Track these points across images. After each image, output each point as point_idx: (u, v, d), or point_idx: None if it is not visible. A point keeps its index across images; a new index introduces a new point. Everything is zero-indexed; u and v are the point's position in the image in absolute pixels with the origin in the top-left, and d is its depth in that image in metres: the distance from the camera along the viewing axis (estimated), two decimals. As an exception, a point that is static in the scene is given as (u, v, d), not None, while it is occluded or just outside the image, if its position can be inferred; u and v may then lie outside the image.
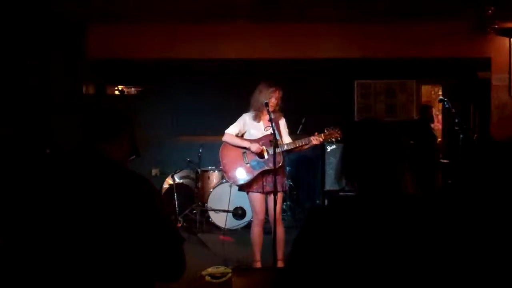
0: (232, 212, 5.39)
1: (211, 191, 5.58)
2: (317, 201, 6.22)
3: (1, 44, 4.22)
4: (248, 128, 3.78)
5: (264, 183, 3.67)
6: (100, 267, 1.41)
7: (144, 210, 1.46)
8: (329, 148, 5.51)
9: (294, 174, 6.34)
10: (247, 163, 3.72)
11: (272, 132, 3.46)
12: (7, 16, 4.26)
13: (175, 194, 5.45)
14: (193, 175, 6.10)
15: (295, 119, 5.16)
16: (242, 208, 5.39)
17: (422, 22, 5.46)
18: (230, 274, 3.45)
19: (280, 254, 3.64)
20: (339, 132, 3.56)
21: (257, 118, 3.74)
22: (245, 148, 3.72)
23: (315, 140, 3.54)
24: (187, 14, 5.15)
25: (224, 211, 5.34)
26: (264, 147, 3.68)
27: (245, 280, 3.09)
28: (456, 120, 4.06)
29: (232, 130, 3.78)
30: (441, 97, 4.23)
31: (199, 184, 5.83)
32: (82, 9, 4.97)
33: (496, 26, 5.29)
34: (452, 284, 1.16)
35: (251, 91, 3.79)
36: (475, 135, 6.00)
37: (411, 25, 5.51)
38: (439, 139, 6.89)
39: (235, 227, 5.41)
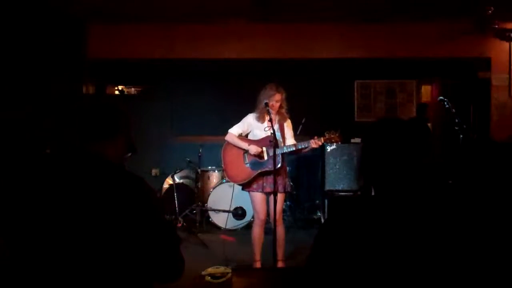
0: (232, 212, 5.39)
1: (211, 191, 5.59)
2: (317, 201, 6.22)
3: (1, 44, 4.22)
4: (252, 128, 3.80)
5: (264, 184, 3.68)
6: (97, 268, 1.40)
7: (140, 210, 1.45)
8: (329, 148, 5.51)
9: (294, 174, 6.34)
10: (246, 163, 3.73)
11: (272, 132, 3.46)
12: (7, 16, 4.26)
13: (175, 194, 5.45)
14: (193, 175, 6.10)
15: (295, 119, 5.14)
16: (242, 208, 5.39)
17: (422, 22, 5.46)
18: (230, 274, 3.44)
19: (280, 254, 3.64)
20: (338, 136, 3.56)
21: (260, 118, 3.76)
22: (244, 149, 3.74)
23: (314, 143, 3.55)
24: (187, 14, 5.15)
25: (224, 211, 5.34)
26: (264, 148, 3.69)
27: (245, 280, 3.09)
28: (456, 120, 4.06)
29: (235, 130, 3.80)
30: (441, 97, 4.22)
31: (199, 184, 5.83)
32: (82, 9, 4.97)
33: (496, 26, 5.29)
34: (465, 284, 1.16)
35: (251, 91, 3.80)
36: (475, 135, 6.00)
37: (411, 25, 5.51)
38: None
39: (235, 227, 5.41)
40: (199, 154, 5.80)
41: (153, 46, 5.59)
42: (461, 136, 4.01)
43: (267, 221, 4.09)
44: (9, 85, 4.33)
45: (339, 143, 3.64)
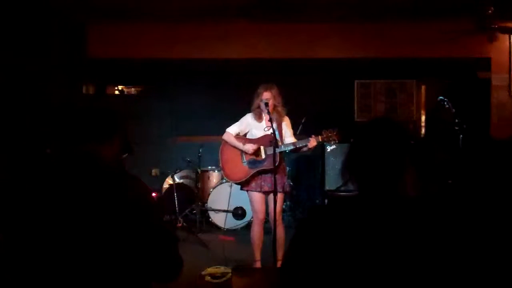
0: (232, 212, 5.39)
1: (211, 191, 5.58)
2: (317, 201, 6.22)
3: (1, 44, 4.22)
4: (250, 128, 3.81)
5: (262, 183, 3.67)
6: (95, 268, 1.40)
7: (137, 210, 1.45)
8: (329, 148, 5.50)
9: (294, 174, 6.34)
10: (244, 162, 3.74)
11: (272, 132, 3.46)
12: (7, 16, 4.26)
13: (175, 194, 5.45)
14: (193, 175, 6.10)
15: (295, 119, 5.14)
16: (242, 208, 5.39)
17: (422, 22, 5.46)
18: (230, 274, 3.44)
19: (280, 254, 3.64)
20: (336, 134, 3.56)
21: (258, 118, 3.76)
22: (240, 149, 3.75)
23: (311, 143, 3.54)
24: (187, 14, 5.15)
25: (224, 211, 5.34)
26: (262, 147, 3.69)
27: (245, 280, 3.09)
28: (456, 120, 4.06)
29: (232, 130, 3.80)
30: (441, 97, 4.22)
31: (199, 184, 5.83)
32: (82, 9, 4.97)
33: (496, 26, 5.29)
34: (448, 286, 1.16)
35: (251, 91, 3.80)
36: (475, 135, 5.99)
37: (411, 25, 5.51)
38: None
39: (235, 227, 5.41)
40: (199, 154, 5.79)
41: (153, 46, 5.59)
42: (461, 136, 4.01)
43: (266, 221, 4.09)
44: (9, 85, 4.32)
45: (337, 141, 3.62)
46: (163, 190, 6.00)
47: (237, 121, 3.85)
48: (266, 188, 3.66)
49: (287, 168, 6.00)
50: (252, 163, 3.71)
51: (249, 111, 3.84)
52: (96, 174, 1.49)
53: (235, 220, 5.44)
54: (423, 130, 7.00)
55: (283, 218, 5.55)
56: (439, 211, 1.23)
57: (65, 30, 5.20)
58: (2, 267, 1.47)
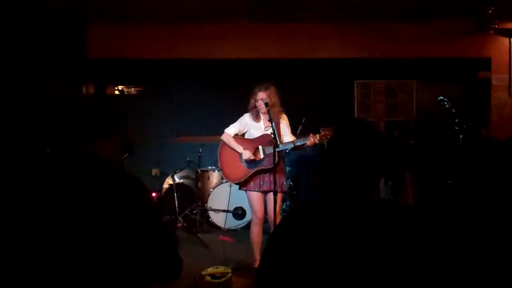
0: (232, 212, 5.39)
1: (211, 191, 5.59)
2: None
3: (1, 44, 4.22)
4: (249, 128, 3.81)
5: (261, 182, 3.68)
6: (94, 268, 1.40)
7: (136, 210, 1.45)
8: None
9: (294, 174, 6.34)
10: (243, 162, 3.74)
11: (272, 132, 3.47)
12: (6, 16, 4.26)
13: (175, 194, 5.45)
14: (193, 175, 6.11)
15: (295, 119, 5.15)
16: (242, 208, 5.39)
17: (422, 22, 5.46)
18: (230, 274, 3.44)
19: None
20: (333, 131, 3.56)
21: (256, 118, 3.77)
22: (237, 151, 3.75)
23: (309, 142, 3.54)
24: (187, 14, 5.15)
25: (224, 211, 5.34)
26: (260, 147, 3.69)
27: (245, 280, 3.09)
28: (456, 120, 4.06)
29: (230, 130, 3.81)
30: (441, 97, 4.22)
31: (199, 184, 5.83)
32: (82, 9, 4.97)
33: (496, 26, 5.29)
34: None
35: (251, 91, 3.81)
36: (475, 135, 6.00)
37: (411, 25, 5.51)
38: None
39: (235, 227, 5.41)
40: (199, 154, 5.80)
41: (153, 46, 5.59)
42: (461, 136, 4.01)
43: (265, 221, 4.09)
44: (9, 85, 4.32)
45: None
46: (163, 190, 6.00)
47: (236, 121, 3.86)
48: (265, 188, 3.66)
49: (287, 168, 6.04)
50: (250, 163, 3.71)
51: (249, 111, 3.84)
52: (96, 174, 1.49)
53: (235, 220, 5.44)
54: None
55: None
56: (412, 214, 1.21)
57: (65, 30, 5.19)
58: (2, 267, 1.47)
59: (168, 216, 5.51)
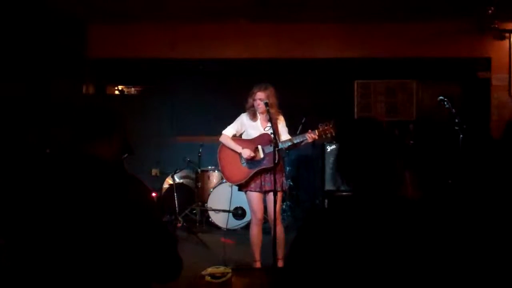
0: (232, 212, 5.39)
1: (211, 191, 5.58)
2: (317, 201, 6.22)
3: (1, 44, 4.22)
4: (246, 128, 3.79)
5: (263, 182, 3.67)
6: (95, 268, 1.40)
7: (136, 210, 1.45)
8: (329, 148, 5.51)
9: (294, 174, 6.34)
10: (243, 163, 3.73)
11: (271, 132, 3.46)
12: (7, 16, 4.26)
13: (175, 194, 5.45)
14: (193, 175, 6.10)
15: (295, 119, 5.15)
16: (242, 208, 5.39)
17: (422, 22, 5.46)
18: (230, 274, 3.44)
19: (280, 253, 3.64)
20: (332, 127, 3.55)
21: (253, 117, 3.75)
22: (237, 152, 3.74)
23: (309, 137, 3.53)
24: (187, 14, 5.15)
25: (224, 211, 5.34)
26: (259, 147, 3.68)
27: (245, 280, 3.09)
28: (456, 120, 4.06)
29: (228, 131, 3.79)
30: (441, 97, 4.22)
31: (199, 184, 5.83)
32: (82, 9, 4.98)
33: (496, 26, 5.30)
34: (447, 284, 1.16)
35: (251, 91, 3.80)
36: (475, 135, 5.99)
37: (411, 25, 5.51)
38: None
39: (235, 227, 5.41)
40: (199, 154, 5.80)
41: (153, 46, 5.59)
42: (461, 136, 4.01)
43: (265, 221, 4.08)
44: (10, 85, 4.33)
45: (333, 134, 3.60)
46: (163, 190, 6.00)
47: (233, 122, 3.85)
48: (266, 188, 3.66)
49: (287, 168, 6.04)
50: (251, 164, 3.70)
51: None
52: (96, 174, 1.49)
53: (235, 220, 5.44)
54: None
55: (283, 218, 5.59)
56: (438, 210, 1.23)
57: (65, 30, 5.20)
58: (3, 268, 1.47)
59: (168, 216, 5.50)
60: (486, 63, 5.68)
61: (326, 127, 3.54)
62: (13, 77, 4.39)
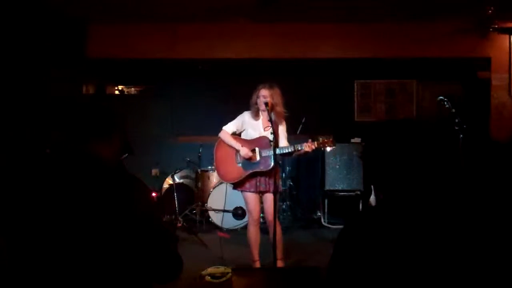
0: (232, 212, 5.39)
1: (211, 191, 5.59)
2: (317, 201, 6.22)
3: (1, 44, 4.22)
4: (246, 127, 3.78)
5: (258, 183, 3.66)
6: (96, 269, 1.40)
7: (136, 210, 1.45)
8: (329, 148, 5.50)
9: (294, 174, 6.34)
10: (238, 163, 3.72)
11: (271, 132, 3.46)
12: (7, 16, 4.26)
13: (175, 194, 5.45)
14: (193, 175, 6.11)
15: (295, 119, 5.15)
16: (242, 208, 5.39)
17: (422, 22, 5.46)
18: (230, 274, 3.45)
19: (279, 253, 3.64)
20: (332, 141, 3.55)
21: (255, 116, 3.74)
22: (235, 148, 3.73)
23: (307, 147, 3.51)
24: (187, 14, 5.15)
25: (224, 211, 5.34)
26: (257, 149, 3.67)
27: (245, 280, 3.09)
28: (456, 120, 4.06)
29: (228, 128, 3.78)
30: (441, 97, 4.22)
31: (199, 184, 5.83)
32: (82, 9, 4.97)
33: (496, 26, 5.29)
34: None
35: (251, 91, 3.79)
36: (474, 136, 5.99)
37: (411, 25, 5.51)
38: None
39: (235, 227, 5.42)
40: (199, 154, 5.80)
41: (153, 46, 5.59)
42: (461, 136, 4.01)
43: (264, 221, 4.08)
44: (9, 85, 4.33)
45: (332, 146, 3.61)
46: (163, 190, 6.00)
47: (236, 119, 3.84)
48: (261, 189, 3.65)
49: (287, 168, 6.04)
50: (246, 164, 3.69)
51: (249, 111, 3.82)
52: (96, 174, 1.49)
53: (235, 220, 5.44)
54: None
55: (283, 218, 5.59)
56: (440, 212, 1.23)
57: (65, 30, 5.20)
58: (4, 268, 1.47)
59: (168, 216, 5.50)
60: (486, 63, 5.68)
61: (326, 140, 3.54)
62: (13, 77, 4.39)
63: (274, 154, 3.47)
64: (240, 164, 3.71)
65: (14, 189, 1.49)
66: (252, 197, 3.69)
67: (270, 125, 3.49)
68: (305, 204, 6.36)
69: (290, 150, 3.58)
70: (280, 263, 3.67)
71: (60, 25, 5.08)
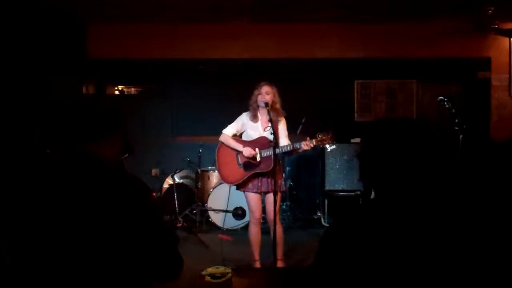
0: (232, 212, 5.39)
1: (211, 191, 5.59)
2: (317, 201, 6.22)
3: (1, 44, 4.22)
4: (246, 128, 3.79)
5: (259, 184, 3.67)
6: (96, 268, 1.40)
7: (137, 210, 1.45)
8: (329, 148, 5.51)
9: (294, 174, 6.34)
10: (240, 165, 3.73)
11: (272, 132, 3.46)
12: (7, 16, 4.26)
13: (175, 194, 5.45)
14: (193, 175, 6.11)
15: (295, 119, 5.15)
16: (242, 208, 5.39)
17: (422, 22, 5.46)
18: (230, 274, 3.44)
19: (279, 253, 3.64)
20: (330, 137, 3.54)
21: (254, 118, 3.75)
22: (238, 150, 3.74)
23: (305, 145, 3.50)
24: (187, 14, 5.15)
25: (224, 211, 5.34)
26: (257, 150, 3.67)
27: (245, 280, 3.09)
28: (456, 120, 4.06)
29: (228, 131, 3.79)
30: (441, 97, 4.22)
31: (199, 184, 5.83)
32: (82, 9, 4.97)
33: (496, 26, 5.29)
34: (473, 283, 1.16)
35: (251, 91, 3.80)
36: (474, 136, 5.99)
37: (411, 25, 5.51)
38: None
39: (235, 227, 5.42)
40: (199, 154, 5.80)
41: (153, 46, 5.59)
42: (461, 136, 4.01)
43: (265, 221, 4.08)
44: (10, 85, 4.33)
45: (331, 143, 3.59)
46: (163, 190, 6.00)
47: (234, 121, 3.85)
48: (263, 189, 3.66)
49: (287, 168, 6.04)
50: (247, 166, 3.70)
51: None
52: (96, 174, 1.49)
53: (235, 220, 5.44)
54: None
55: (283, 218, 5.59)
56: (439, 211, 1.23)
57: (65, 30, 5.20)
58: (4, 268, 1.47)
59: (168, 216, 5.51)
60: (486, 63, 5.68)
61: (324, 137, 3.52)
62: (13, 77, 4.39)
63: (274, 154, 3.47)
64: (242, 166, 3.72)
65: (14, 189, 1.49)
66: (254, 197, 3.70)
67: (270, 125, 3.49)
68: (305, 204, 6.36)
69: (289, 149, 3.58)
70: (280, 263, 3.67)
71: (60, 25, 5.08)
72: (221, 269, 3.64)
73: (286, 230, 3.82)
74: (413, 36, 5.55)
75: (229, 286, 3.23)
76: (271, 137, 3.48)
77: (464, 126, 4.02)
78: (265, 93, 3.63)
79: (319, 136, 3.53)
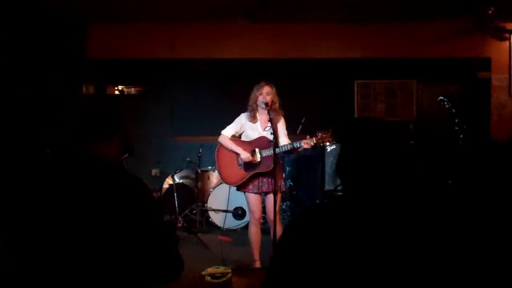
0: (232, 212, 5.39)
1: (211, 191, 5.58)
2: (317, 201, 6.22)
3: (1, 44, 4.22)
4: (245, 128, 3.78)
5: (260, 184, 3.66)
6: (96, 268, 1.40)
7: (137, 210, 1.45)
8: (329, 148, 5.51)
9: (294, 174, 6.34)
10: (240, 165, 3.72)
11: (272, 132, 3.46)
12: (7, 16, 4.26)
13: (175, 194, 5.45)
14: (193, 175, 6.10)
15: (295, 119, 5.15)
16: (242, 208, 5.39)
17: (422, 22, 5.46)
18: (230, 274, 3.44)
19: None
20: (331, 135, 3.53)
21: (253, 118, 3.74)
22: (236, 152, 3.73)
23: (306, 144, 3.49)
24: (187, 14, 5.15)
25: (224, 211, 5.34)
26: (256, 150, 3.67)
27: (245, 280, 3.09)
28: (456, 120, 4.06)
29: (227, 132, 3.78)
30: (441, 97, 4.22)
31: (199, 184, 5.83)
32: (82, 9, 4.97)
33: (496, 26, 5.29)
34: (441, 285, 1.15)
35: (250, 91, 3.79)
36: (475, 136, 6.00)
37: (411, 25, 5.51)
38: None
39: (235, 227, 5.41)
40: (199, 154, 5.80)
41: (153, 46, 5.59)
42: (461, 136, 4.02)
43: (265, 221, 4.08)
44: (10, 85, 4.33)
45: (332, 142, 3.59)
46: (163, 190, 6.00)
47: (232, 122, 3.84)
48: (263, 189, 3.66)
49: (287, 168, 6.04)
50: (248, 166, 3.69)
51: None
52: (96, 174, 1.49)
53: (235, 220, 5.44)
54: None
55: (283, 218, 5.58)
56: (437, 211, 1.22)
57: (65, 29, 5.20)
58: (4, 268, 1.47)
59: (168, 216, 5.50)
60: (486, 63, 5.68)
61: (324, 135, 3.52)
62: (13, 77, 4.39)
63: (274, 154, 3.47)
64: (242, 167, 3.71)
65: (14, 189, 1.49)
66: (254, 197, 3.70)
67: (270, 124, 3.48)
68: (305, 204, 6.36)
69: (289, 148, 3.58)
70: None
71: (60, 25, 5.08)
72: (221, 269, 3.64)
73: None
74: (413, 36, 5.55)
75: (229, 286, 3.23)
76: (271, 137, 3.48)
77: (464, 126, 4.02)
78: (266, 94, 3.63)
79: (319, 134, 3.52)
